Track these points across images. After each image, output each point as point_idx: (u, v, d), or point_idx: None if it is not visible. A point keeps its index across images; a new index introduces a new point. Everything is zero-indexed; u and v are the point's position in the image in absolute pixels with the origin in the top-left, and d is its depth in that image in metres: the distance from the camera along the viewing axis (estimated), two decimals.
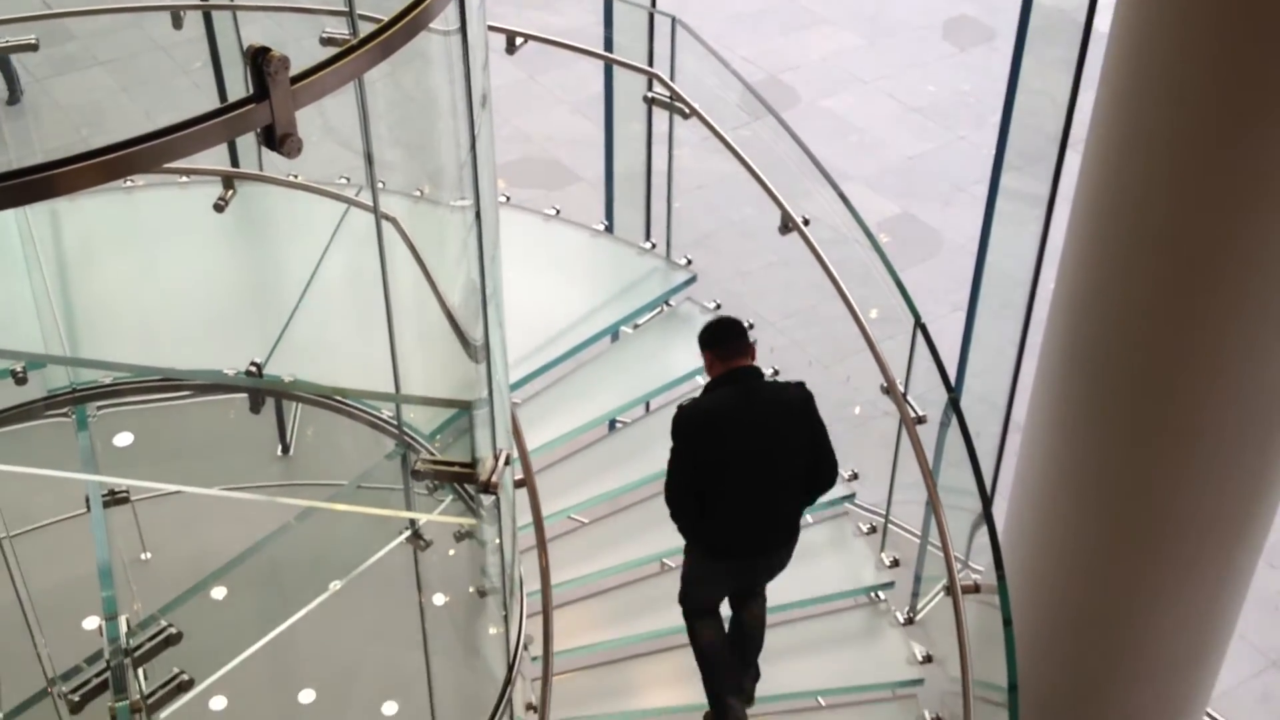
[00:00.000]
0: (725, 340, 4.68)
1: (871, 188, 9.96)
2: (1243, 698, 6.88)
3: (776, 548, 4.78)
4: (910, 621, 5.37)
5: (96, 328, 4.87)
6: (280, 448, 5.26)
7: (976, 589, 4.68)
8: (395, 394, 4.14)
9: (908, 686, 5.21)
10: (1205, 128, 4.37)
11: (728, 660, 4.99)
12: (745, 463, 4.54)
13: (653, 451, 5.66)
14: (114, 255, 5.30)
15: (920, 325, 5.02)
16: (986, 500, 4.77)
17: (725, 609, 5.05)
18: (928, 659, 5.19)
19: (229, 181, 5.11)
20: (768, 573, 4.89)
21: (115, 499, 4.25)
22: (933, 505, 4.89)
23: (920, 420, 5.02)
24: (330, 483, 5.03)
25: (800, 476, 4.65)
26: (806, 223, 5.37)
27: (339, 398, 4.50)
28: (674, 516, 4.69)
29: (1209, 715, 6.65)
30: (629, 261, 6.03)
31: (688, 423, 4.57)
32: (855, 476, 5.62)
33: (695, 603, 4.96)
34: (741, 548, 4.72)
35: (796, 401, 4.62)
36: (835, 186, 5.50)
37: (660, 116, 6.00)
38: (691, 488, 4.59)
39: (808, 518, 5.61)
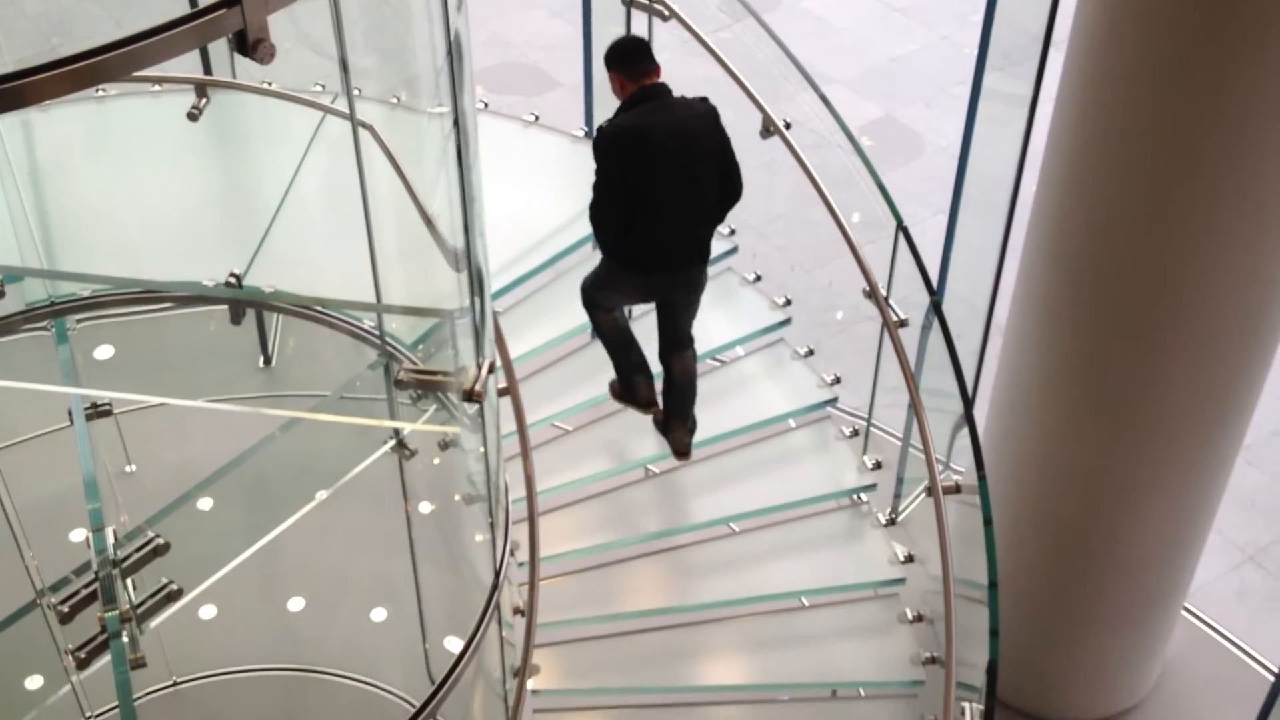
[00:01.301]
0: (634, 58, 4.77)
1: (853, 90, 9.87)
2: (1219, 592, 6.99)
3: (690, 265, 4.96)
4: (892, 522, 5.43)
5: (73, 240, 4.83)
6: (262, 359, 5.25)
7: (957, 489, 4.72)
8: (376, 303, 4.13)
9: (890, 586, 5.29)
10: (1188, 23, 4.33)
11: (632, 340, 5.29)
12: (670, 175, 4.69)
13: None
14: (88, 166, 5.23)
15: (902, 228, 5.01)
16: (968, 402, 4.80)
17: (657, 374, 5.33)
18: (909, 559, 5.26)
19: (202, 89, 5.03)
20: (684, 290, 5.06)
21: (98, 412, 4.24)
22: (914, 408, 4.92)
23: (902, 324, 5.03)
24: (313, 393, 5.02)
25: (716, 188, 4.83)
26: (788, 126, 5.33)
27: (320, 308, 4.48)
28: (599, 235, 4.91)
29: (1186, 609, 6.76)
30: None
31: (614, 141, 4.69)
32: (838, 380, 5.64)
33: (598, 302, 5.17)
34: (660, 262, 4.90)
35: (708, 114, 4.79)
36: (817, 89, 5.45)
37: (639, 19, 5.91)
38: (620, 206, 4.74)
39: (791, 422, 5.65)
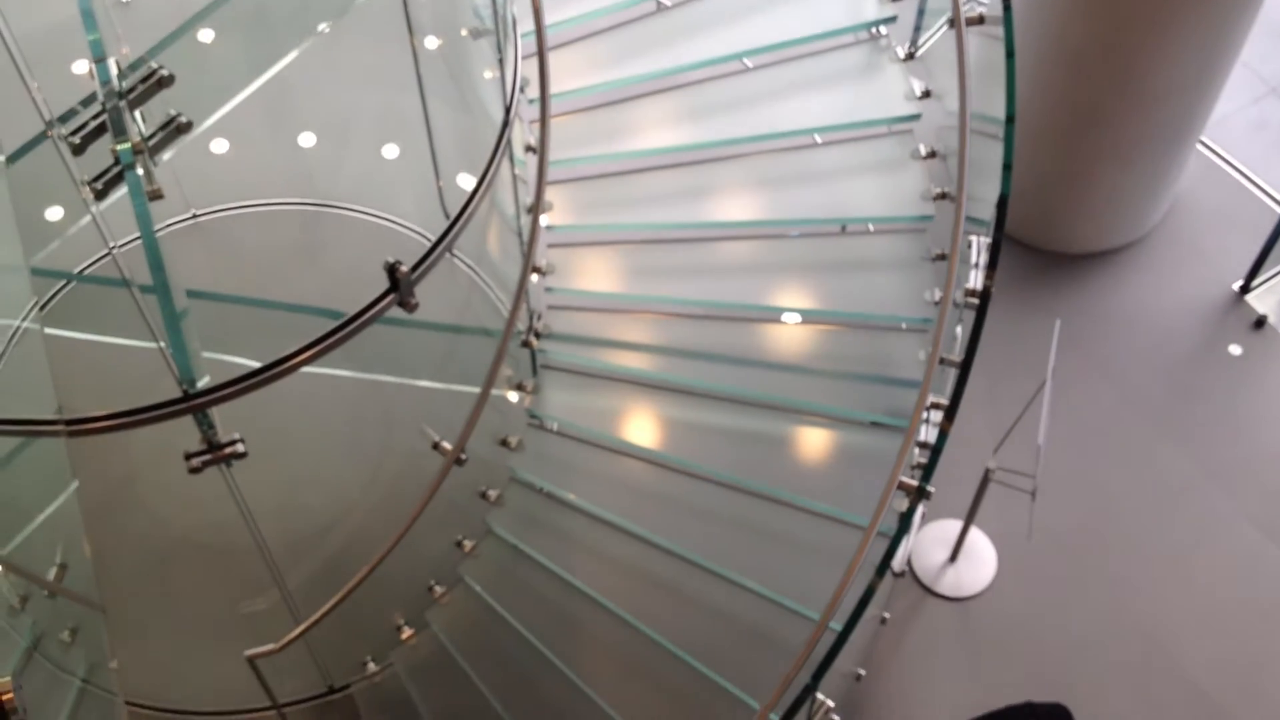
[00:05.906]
0: None
1: None
2: (1238, 124, 6.93)
3: None
4: (911, 57, 5.30)
5: None
6: None
7: (980, 20, 4.56)
8: None
9: (905, 122, 5.22)
10: None
11: None
12: None
13: None
14: None
15: None
16: None
17: None
18: (926, 94, 5.17)
19: None
20: None
21: None
22: None
23: None
24: None
25: None
26: None
27: None
28: None
29: (1202, 143, 6.74)
30: None
31: None
32: None
33: None
34: None
35: None
36: None
37: None
38: None
39: None
